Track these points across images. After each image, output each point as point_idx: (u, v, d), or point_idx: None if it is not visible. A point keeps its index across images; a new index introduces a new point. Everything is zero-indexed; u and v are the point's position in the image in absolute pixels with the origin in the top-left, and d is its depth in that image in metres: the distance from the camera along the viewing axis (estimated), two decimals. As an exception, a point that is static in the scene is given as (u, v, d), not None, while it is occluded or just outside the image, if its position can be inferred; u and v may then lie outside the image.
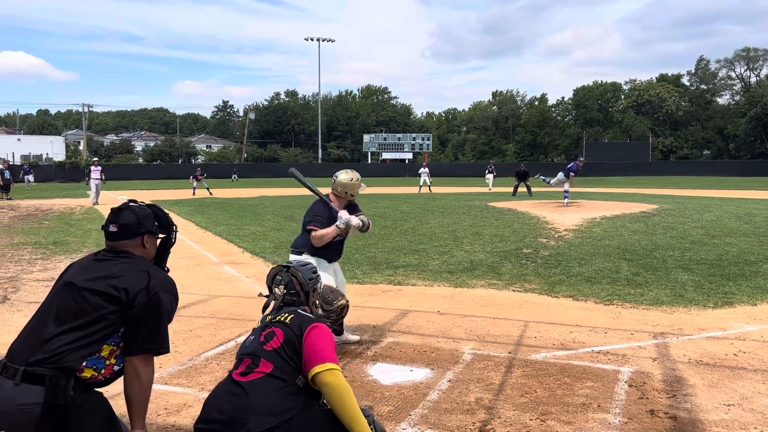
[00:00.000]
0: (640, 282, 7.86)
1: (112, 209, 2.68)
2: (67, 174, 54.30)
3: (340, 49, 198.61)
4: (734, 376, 4.57)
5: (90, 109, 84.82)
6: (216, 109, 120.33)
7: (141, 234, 2.63)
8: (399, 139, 78.62)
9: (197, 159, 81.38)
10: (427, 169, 34.27)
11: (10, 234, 13.98)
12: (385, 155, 76.87)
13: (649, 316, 6.29)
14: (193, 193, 31.42)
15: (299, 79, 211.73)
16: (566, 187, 21.12)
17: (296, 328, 2.74)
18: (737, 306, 6.69)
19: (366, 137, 79.91)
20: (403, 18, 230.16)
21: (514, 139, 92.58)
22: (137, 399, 2.45)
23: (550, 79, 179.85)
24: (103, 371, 2.40)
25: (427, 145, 78.46)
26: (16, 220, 17.32)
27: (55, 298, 2.48)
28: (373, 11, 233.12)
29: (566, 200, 20.74)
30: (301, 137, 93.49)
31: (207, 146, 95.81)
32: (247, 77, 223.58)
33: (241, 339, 5.52)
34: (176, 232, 2.80)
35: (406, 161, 74.12)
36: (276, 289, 3.05)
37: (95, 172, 24.67)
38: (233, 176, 52.54)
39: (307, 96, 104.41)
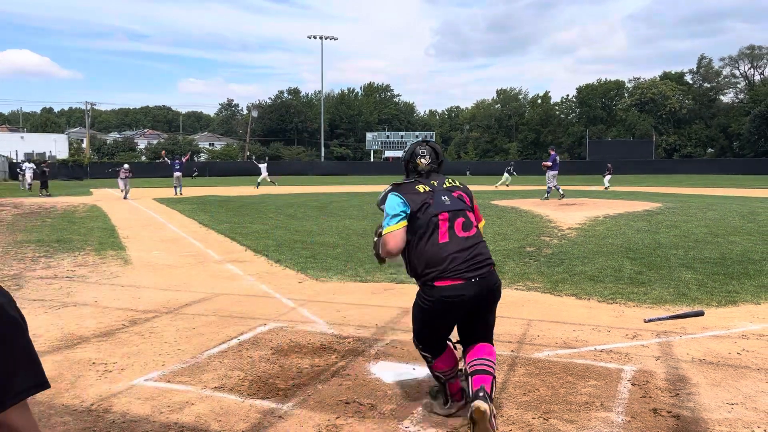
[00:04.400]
0: (643, 280, 7.84)
1: None
2: (69, 172, 54.56)
3: (344, 47, 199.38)
4: (738, 375, 4.56)
5: (93, 107, 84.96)
6: (220, 107, 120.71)
7: None
8: (402, 137, 78.62)
9: (200, 157, 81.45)
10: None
11: (13, 232, 14.01)
12: (388, 153, 76.86)
13: (652, 315, 6.27)
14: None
15: (303, 77, 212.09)
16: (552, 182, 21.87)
17: (469, 192, 3.90)
18: (741, 305, 6.67)
19: (369, 135, 79.95)
20: (408, 15, 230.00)
21: (517, 138, 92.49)
22: None
23: (556, 76, 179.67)
24: None
25: (430, 143, 78.38)
26: (19, 218, 17.36)
27: None
28: (378, 9, 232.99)
29: (548, 195, 21.90)
30: (304, 135, 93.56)
31: (210, 144, 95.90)
32: (251, 75, 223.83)
33: (244, 337, 5.54)
34: None
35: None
36: (422, 159, 3.85)
37: (123, 172, 27.15)
38: (194, 173, 53.45)
39: (309, 94, 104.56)
